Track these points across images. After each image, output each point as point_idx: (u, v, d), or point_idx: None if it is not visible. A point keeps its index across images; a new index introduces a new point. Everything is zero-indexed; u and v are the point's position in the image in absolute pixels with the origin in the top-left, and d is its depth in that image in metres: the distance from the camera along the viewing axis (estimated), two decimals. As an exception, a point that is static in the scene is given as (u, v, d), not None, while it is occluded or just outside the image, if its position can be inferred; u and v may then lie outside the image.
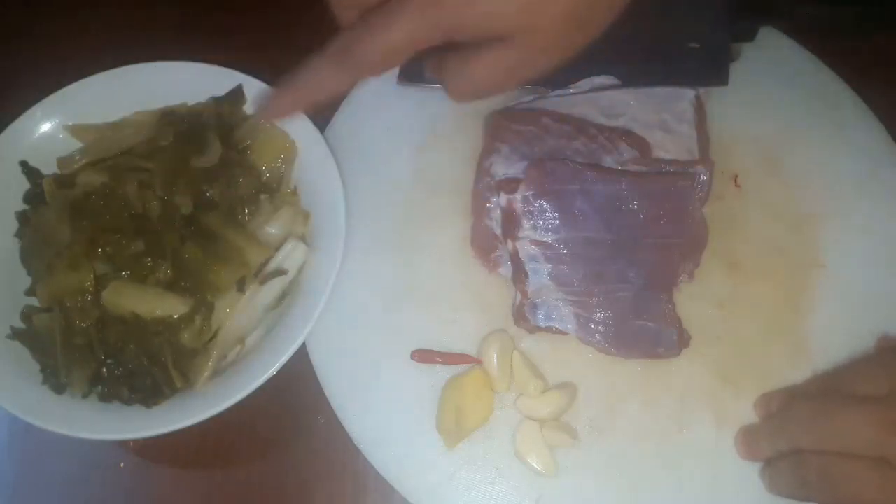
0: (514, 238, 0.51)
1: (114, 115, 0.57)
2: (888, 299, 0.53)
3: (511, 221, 0.51)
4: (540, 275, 0.51)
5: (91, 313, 0.50)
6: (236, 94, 0.57)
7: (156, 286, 0.50)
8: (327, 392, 0.51)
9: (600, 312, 0.51)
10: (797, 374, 0.51)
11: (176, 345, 0.50)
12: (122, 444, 0.53)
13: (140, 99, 0.57)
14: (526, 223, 0.51)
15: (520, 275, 0.51)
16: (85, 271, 0.50)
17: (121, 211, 0.51)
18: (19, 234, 0.54)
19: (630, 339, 0.51)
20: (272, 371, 0.48)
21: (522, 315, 0.51)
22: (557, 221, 0.51)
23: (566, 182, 0.51)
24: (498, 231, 0.53)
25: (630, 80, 0.56)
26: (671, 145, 0.54)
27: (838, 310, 0.53)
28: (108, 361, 0.50)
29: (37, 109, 0.56)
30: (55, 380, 0.50)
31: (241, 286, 0.51)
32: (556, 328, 0.51)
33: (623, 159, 0.53)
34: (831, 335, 0.52)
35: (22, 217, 0.54)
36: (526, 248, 0.51)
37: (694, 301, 0.53)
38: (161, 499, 0.52)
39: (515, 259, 0.51)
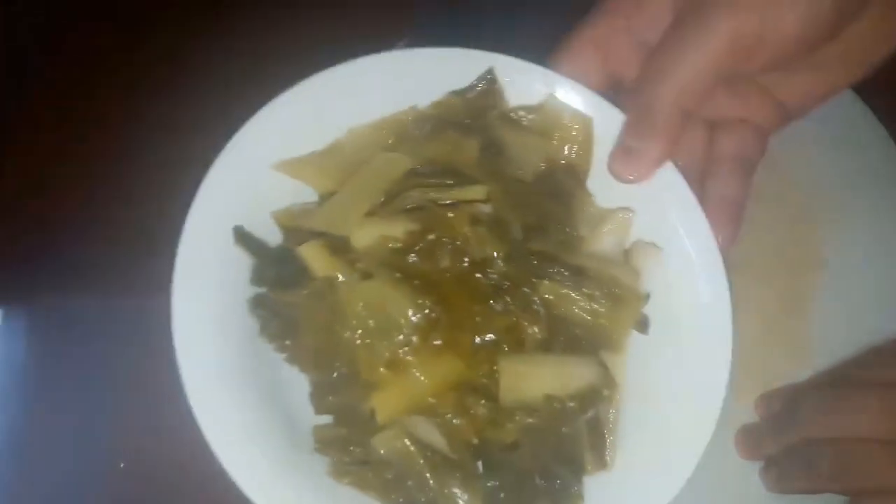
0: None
1: (312, 142, 0.41)
2: (888, 299, 0.53)
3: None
4: (540, 275, 0.51)
5: (478, 411, 0.36)
6: (489, 80, 0.41)
7: (541, 351, 0.38)
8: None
9: (600, 312, 0.51)
10: (797, 374, 0.51)
11: (585, 421, 0.38)
12: (122, 446, 0.52)
13: (339, 116, 0.41)
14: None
15: (520, 275, 0.51)
16: (453, 357, 0.36)
17: (459, 263, 0.37)
18: (267, 330, 0.38)
19: (630, 339, 0.51)
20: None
21: (522, 315, 0.51)
22: (557, 221, 0.51)
23: (566, 182, 0.51)
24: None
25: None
26: (671, 145, 0.54)
27: (838, 310, 0.53)
28: (503, 471, 0.36)
29: (232, 150, 0.39)
30: None
31: (639, 326, 0.40)
32: (555, 328, 0.51)
33: (623, 159, 0.53)
34: (831, 335, 0.52)
35: (258, 302, 0.38)
36: (526, 249, 0.51)
37: (694, 301, 0.53)
38: (161, 499, 0.52)
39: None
